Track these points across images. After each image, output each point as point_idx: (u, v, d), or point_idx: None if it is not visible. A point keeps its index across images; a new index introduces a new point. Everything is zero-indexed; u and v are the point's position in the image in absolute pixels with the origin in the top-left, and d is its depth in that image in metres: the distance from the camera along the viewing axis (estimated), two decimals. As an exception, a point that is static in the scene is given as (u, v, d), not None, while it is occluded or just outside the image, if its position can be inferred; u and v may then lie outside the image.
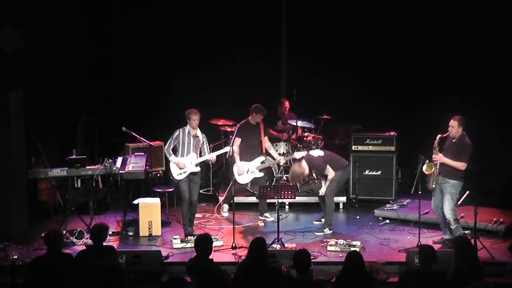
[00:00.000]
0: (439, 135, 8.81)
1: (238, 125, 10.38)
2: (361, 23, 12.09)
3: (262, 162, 10.36)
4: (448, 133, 8.79)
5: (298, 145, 11.24)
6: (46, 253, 7.02)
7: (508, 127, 10.84)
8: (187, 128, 9.55)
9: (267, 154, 10.48)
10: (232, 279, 6.75)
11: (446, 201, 8.76)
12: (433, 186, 8.88)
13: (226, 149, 9.90)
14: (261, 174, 10.37)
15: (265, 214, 10.35)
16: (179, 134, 9.53)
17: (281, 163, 10.73)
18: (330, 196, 9.78)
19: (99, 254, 7.04)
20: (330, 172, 9.64)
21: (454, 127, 8.71)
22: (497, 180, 10.89)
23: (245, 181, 10.26)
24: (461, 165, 8.69)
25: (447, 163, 8.72)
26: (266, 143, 10.44)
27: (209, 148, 9.84)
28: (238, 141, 10.15)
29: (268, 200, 10.11)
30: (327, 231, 9.66)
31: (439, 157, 8.76)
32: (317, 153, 9.79)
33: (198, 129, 9.61)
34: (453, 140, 8.80)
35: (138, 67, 12.27)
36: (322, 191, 9.78)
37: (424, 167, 8.79)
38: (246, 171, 10.16)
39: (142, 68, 12.29)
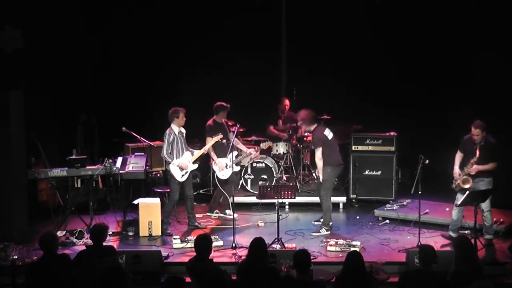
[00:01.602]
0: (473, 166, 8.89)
1: (206, 126, 10.25)
2: (361, 23, 12.09)
3: (237, 156, 10.44)
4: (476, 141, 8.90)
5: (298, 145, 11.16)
6: (43, 256, 7.01)
7: (508, 127, 10.82)
8: (175, 127, 9.62)
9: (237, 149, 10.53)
10: (232, 279, 6.76)
11: (487, 200, 8.87)
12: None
13: (216, 138, 9.84)
14: (238, 168, 10.52)
15: (226, 211, 10.36)
16: (174, 137, 9.57)
17: (253, 155, 10.70)
18: (325, 196, 9.77)
19: (99, 254, 7.04)
20: (317, 155, 9.60)
21: (479, 135, 8.86)
22: (497, 180, 10.87)
23: (226, 176, 10.13)
24: (494, 165, 8.93)
25: (482, 170, 8.88)
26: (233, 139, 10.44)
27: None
28: (209, 140, 10.09)
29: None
30: (323, 231, 9.66)
31: (475, 168, 8.88)
32: (328, 131, 9.77)
33: None
34: (481, 143, 8.90)
35: (138, 67, 12.27)
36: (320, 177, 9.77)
37: (461, 183, 8.90)
38: (225, 166, 10.14)
39: (142, 68, 12.30)
